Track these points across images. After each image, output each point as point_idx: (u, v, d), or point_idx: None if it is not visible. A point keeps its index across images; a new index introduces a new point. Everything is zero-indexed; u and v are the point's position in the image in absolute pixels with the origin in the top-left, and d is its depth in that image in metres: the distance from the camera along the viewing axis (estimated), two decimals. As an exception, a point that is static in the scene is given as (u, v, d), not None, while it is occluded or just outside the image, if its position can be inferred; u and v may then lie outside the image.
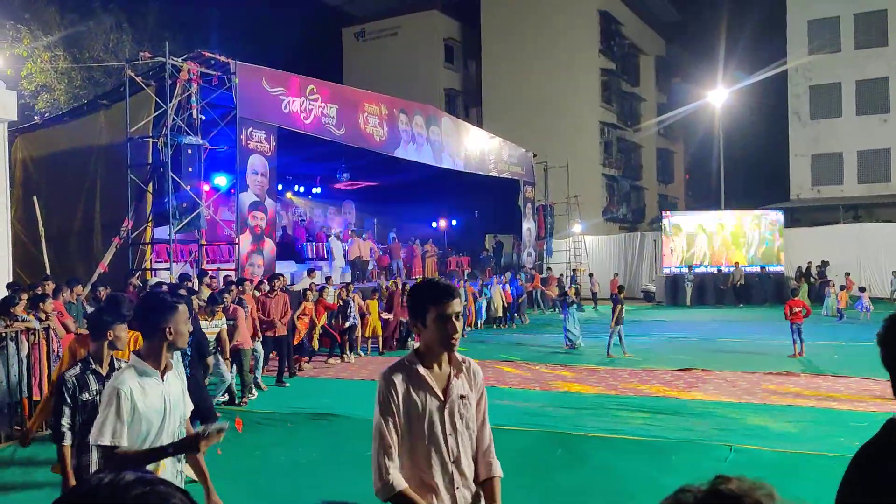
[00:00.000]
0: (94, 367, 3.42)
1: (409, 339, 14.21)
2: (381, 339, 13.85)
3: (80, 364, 3.43)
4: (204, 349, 7.32)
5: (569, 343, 13.54)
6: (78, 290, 8.61)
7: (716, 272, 24.53)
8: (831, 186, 33.83)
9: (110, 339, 3.44)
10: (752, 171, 41.00)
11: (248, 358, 9.04)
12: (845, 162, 33.60)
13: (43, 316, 6.75)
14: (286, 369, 10.66)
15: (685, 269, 24.43)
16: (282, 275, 11.93)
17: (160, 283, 9.99)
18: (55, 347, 6.73)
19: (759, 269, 24.20)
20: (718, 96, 28.29)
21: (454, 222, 25.67)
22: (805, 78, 33.94)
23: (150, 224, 12.40)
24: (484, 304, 18.08)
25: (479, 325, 17.97)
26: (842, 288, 19.15)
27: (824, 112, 33.84)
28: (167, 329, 2.64)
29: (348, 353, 12.71)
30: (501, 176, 22.02)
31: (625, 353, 12.34)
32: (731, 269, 24.14)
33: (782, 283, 23.34)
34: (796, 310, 11.76)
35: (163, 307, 2.69)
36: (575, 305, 14.50)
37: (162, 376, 2.67)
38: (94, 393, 3.34)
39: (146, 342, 2.70)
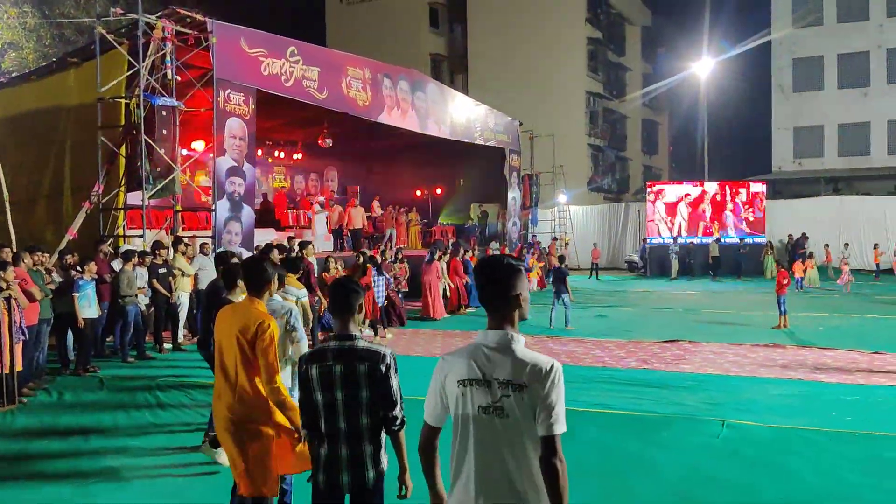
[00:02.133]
0: None
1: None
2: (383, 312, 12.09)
3: None
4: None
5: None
6: (39, 256, 8.17)
7: (693, 244, 24.46)
8: (812, 159, 33.93)
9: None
10: (735, 143, 41.02)
11: None
12: (826, 135, 33.68)
13: (4, 285, 6.37)
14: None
15: (671, 241, 24.33)
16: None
17: (131, 251, 9.62)
18: (17, 318, 6.37)
19: (738, 241, 24.19)
20: (703, 67, 28.02)
21: (439, 190, 25.29)
22: (788, 50, 33.76)
23: (122, 189, 11.93)
24: None
25: None
26: (800, 258, 19.63)
27: (806, 85, 33.81)
28: None
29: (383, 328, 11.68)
30: (487, 144, 21.63)
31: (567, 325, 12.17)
32: (710, 241, 24.03)
33: (757, 256, 23.35)
34: (784, 281, 11.78)
35: None
36: None
37: None
38: None
39: None
